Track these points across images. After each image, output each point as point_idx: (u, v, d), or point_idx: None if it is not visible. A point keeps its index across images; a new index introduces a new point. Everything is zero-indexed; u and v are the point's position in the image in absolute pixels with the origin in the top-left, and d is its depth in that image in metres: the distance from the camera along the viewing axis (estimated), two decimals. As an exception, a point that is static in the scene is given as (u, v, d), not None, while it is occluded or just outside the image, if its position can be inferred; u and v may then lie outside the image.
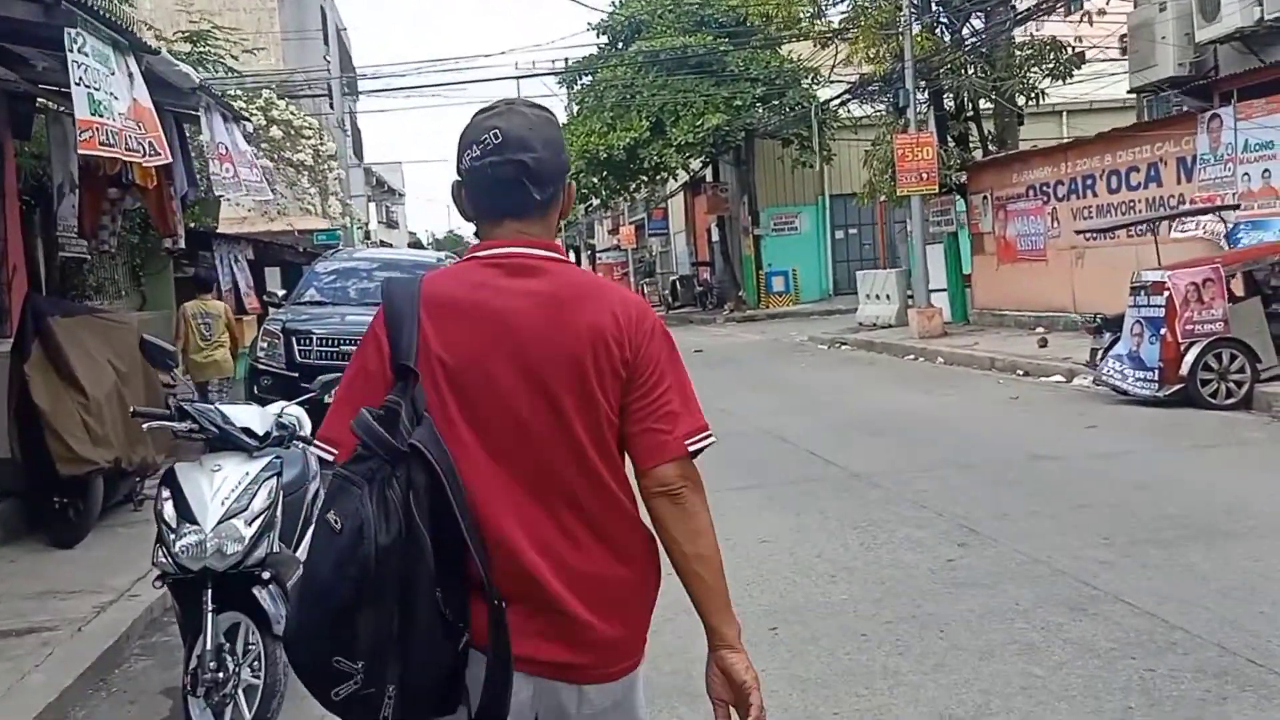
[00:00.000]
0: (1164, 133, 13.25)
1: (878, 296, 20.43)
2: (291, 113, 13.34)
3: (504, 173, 1.73)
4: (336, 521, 1.57)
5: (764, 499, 6.93)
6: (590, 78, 30.52)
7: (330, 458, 1.70)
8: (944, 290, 18.96)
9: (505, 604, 1.63)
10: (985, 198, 17.68)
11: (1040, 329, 15.77)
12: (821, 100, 24.97)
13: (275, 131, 12.13)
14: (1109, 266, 14.41)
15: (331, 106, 20.23)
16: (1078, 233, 13.15)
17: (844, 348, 18.41)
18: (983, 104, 18.68)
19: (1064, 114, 23.73)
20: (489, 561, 1.62)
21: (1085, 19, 16.21)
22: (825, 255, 31.43)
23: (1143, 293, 9.69)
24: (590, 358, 1.69)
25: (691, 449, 1.74)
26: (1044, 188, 15.96)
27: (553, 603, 1.67)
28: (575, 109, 32.03)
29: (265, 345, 9.76)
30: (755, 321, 27.57)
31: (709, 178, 32.63)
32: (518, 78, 28.52)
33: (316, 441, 1.75)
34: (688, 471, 1.74)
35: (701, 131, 26.74)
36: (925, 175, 16.68)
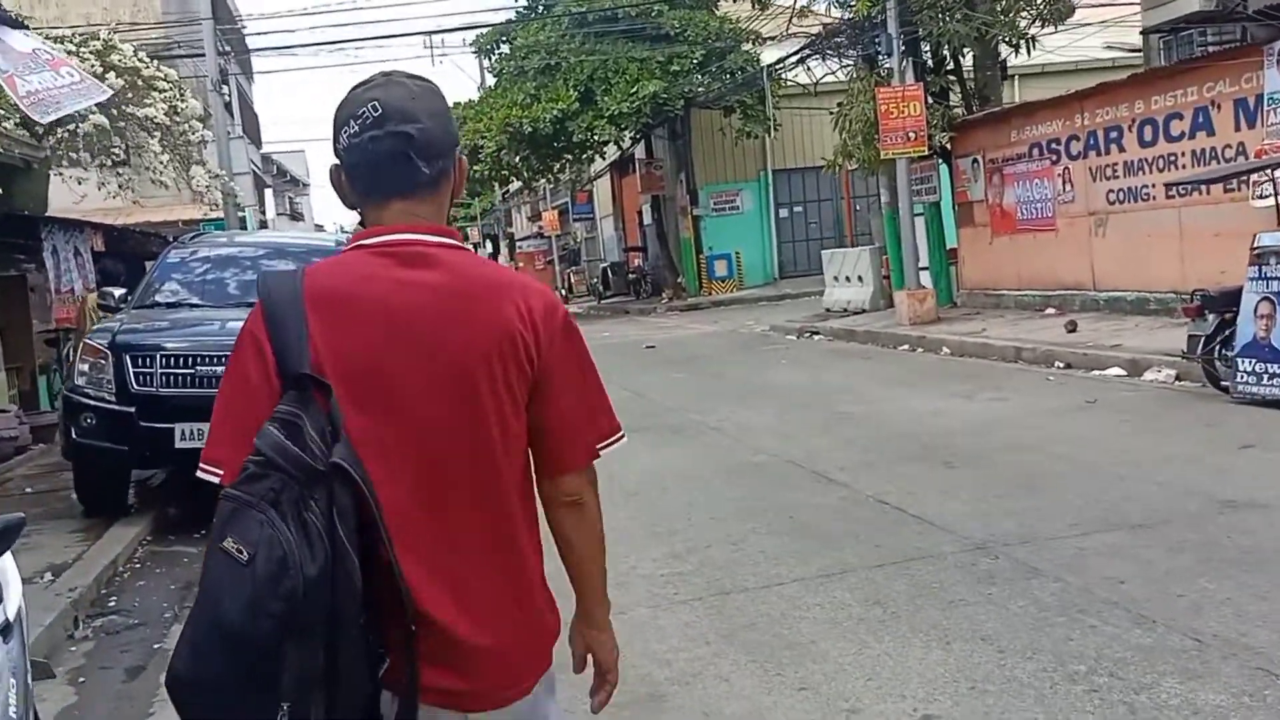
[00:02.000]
0: (1216, 70, 11.07)
1: (847, 279, 18.12)
2: (140, 60, 10.37)
3: (386, 146, 1.57)
4: (241, 550, 1.38)
5: (869, 605, 4.30)
6: (509, 45, 27.71)
7: (216, 480, 1.51)
8: (924, 269, 16.71)
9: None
10: (975, 161, 15.44)
11: (1052, 309, 13.59)
12: (770, 62, 22.53)
13: (114, 80, 9.19)
14: (1142, 234, 12.28)
15: (218, 80, 17.04)
16: (1169, 187, 10.85)
17: (817, 338, 16.05)
18: (964, 59, 16.43)
19: (1047, 75, 21.58)
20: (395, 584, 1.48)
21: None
22: (770, 236, 29.10)
23: (1273, 260, 7.41)
24: (496, 356, 1.56)
25: (601, 452, 1.68)
26: (1052, 145, 13.75)
27: (444, 626, 1.53)
28: (494, 81, 29.19)
29: (85, 368, 6.90)
30: (699, 310, 25.13)
31: (641, 154, 30.04)
32: (430, 44, 25.67)
33: (201, 464, 1.54)
34: (590, 476, 1.70)
35: (637, 100, 24.12)
36: (914, 134, 14.36)
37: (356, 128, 1.58)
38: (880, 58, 16.98)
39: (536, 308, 1.60)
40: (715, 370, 12.99)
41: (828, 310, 18.42)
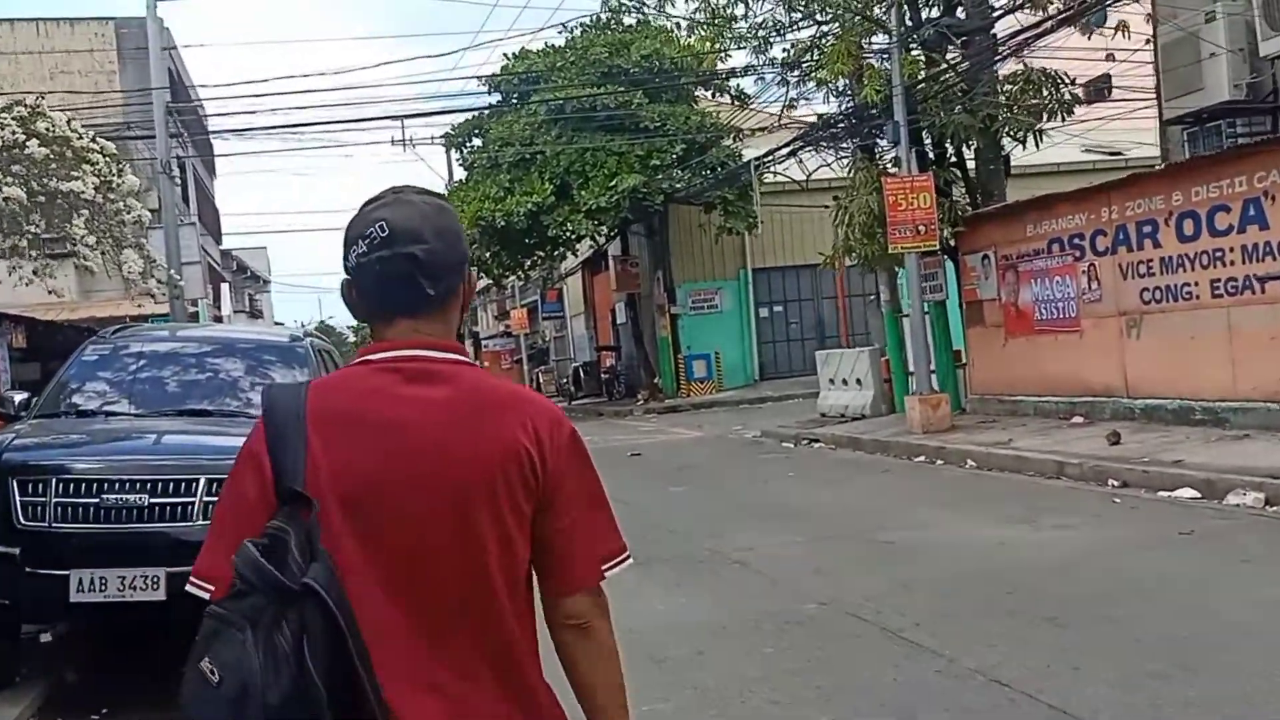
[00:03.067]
0: (1265, 158, 10.17)
1: (844, 381, 16.96)
2: (73, 130, 9.08)
3: (393, 268, 1.56)
4: (214, 672, 1.38)
5: None
6: (481, 139, 26.89)
7: (206, 596, 1.48)
8: (930, 372, 15.59)
9: None
10: (986, 257, 14.48)
11: (1079, 418, 12.45)
12: (757, 155, 21.77)
13: (36, 149, 7.88)
14: (1183, 336, 11.23)
15: (173, 164, 15.77)
16: (1261, 281, 9.78)
17: (817, 445, 14.78)
18: (967, 152, 15.63)
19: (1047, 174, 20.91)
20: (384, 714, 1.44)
21: (1121, 31, 13.25)
22: (750, 336, 28.06)
23: None
24: (500, 474, 1.52)
25: (607, 574, 1.62)
26: (1075, 240, 12.80)
27: None
28: (464, 174, 28.29)
29: (-43, 496, 5.43)
30: (679, 413, 23.86)
31: (616, 251, 29.09)
32: (405, 132, 24.76)
33: (192, 579, 1.53)
34: (598, 600, 1.62)
35: (615, 194, 23.22)
36: (924, 228, 13.37)
37: (365, 247, 1.59)
38: (879, 149, 16.20)
39: (542, 424, 1.58)
40: (715, 483, 11.64)
41: (823, 415, 17.21)
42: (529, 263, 29.07)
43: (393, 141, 40.89)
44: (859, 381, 16.61)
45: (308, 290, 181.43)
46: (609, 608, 1.62)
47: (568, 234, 24.73)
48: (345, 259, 1.61)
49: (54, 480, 5.41)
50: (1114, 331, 12.25)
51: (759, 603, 6.24)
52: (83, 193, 8.57)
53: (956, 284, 15.29)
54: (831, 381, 17.30)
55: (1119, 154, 26.57)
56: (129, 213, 9.24)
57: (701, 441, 16.89)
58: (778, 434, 16.28)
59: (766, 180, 24.40)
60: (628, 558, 1.65)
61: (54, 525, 5.33)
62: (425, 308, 1.59)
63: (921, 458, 12.27)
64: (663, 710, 4.47)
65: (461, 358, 1.61)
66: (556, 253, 29.51)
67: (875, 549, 7.46)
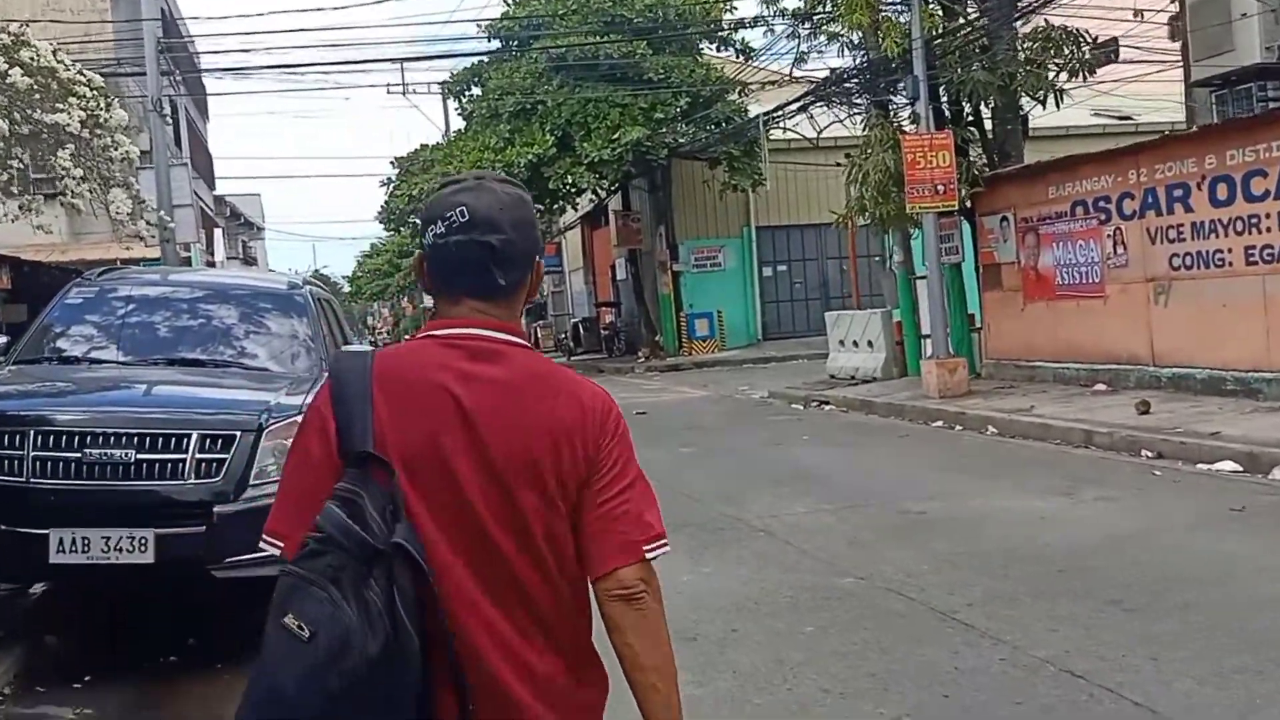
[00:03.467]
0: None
1: (855, 343, 16.53)
2: (59, 60, 8.51)
3: (469, 254, 1.64)
4: (303, 628, 1.41)
5: None
6: (481, 87, 26.18)
7: (277, 553, 1.56)
8: (946, 335, 15.18)
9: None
10: (1005, 219, 14.01)
11: (1101, 385, 12.06)
12: (763, 112, 21.16)
13: (18, 77, 7.34)
14: (1214, 304, 10.81)
15: (162, 101, 15.11)
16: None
17: (828, 408, 14.39)
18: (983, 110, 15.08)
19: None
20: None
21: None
22: (753, 295, 27.59)
23: None
24: (551, 454, 1.59)
25: (649, 553, 1.63)
26: (1100, 203, 12.33)
27: (519, 711, 1.56)
28: (463, 124, 27.61)
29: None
30: (681, 372, 23.45)
31: (617, 206, 28.50)
32: (403, 77, 24.04)
33: (264, 537, 1.59)
34: (647, 575, 1.64)
35: (618, 147, 22.61)
36: (942, 187, 12.88)
37: (443, 228, 1.64)
38: (893, 106, 15.65)
39: (593, 409, 1.63)
40: (727, 445, 11.23)
41: (832, 377, 16.80)
42: (529, 216, 28.46)
43: (389, 89, 40.07)
44: (870, 344, 16.19)
45: (302, 239, 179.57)
46: (660, 591, 1.64)
47: (568, 187, 24.15)
48: (422, 235, 1.69)
49: (32, 432, 4.97)
50: (1140, 298, 11.83)
51: (791, 576, 5.85)
52: (68, 125, 8.02)
53: (973, 246, 14.84)
54: (841, 343, 16.87)
55: (1129, 118, 26.02)
56: (117, 149, 8.70)
57: (707, 401, 16.49)
58: (786, 395, 15.89)
59: (773, 137, 23.86)
60: (665, 545, 1.66)
61: (32, 481, 4.91)
62: (494, 295, 1.65)
63: (939, 423, 11.88)
64: (698, 696, 4.09)
65: (522, 342, 1.66)
66: (556, 206, 28.93)
67: (907, 519, 7.07)
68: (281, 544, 1.56)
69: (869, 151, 14.40)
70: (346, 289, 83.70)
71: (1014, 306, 14.02)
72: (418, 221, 1.90)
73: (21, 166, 8.42)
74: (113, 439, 4.98)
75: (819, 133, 17.77)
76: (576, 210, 31.39)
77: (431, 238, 1.65)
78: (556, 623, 1.61)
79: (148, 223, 9.83)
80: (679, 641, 5.14)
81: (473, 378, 1.59)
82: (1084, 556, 5.81)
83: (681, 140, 23.75)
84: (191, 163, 43.27)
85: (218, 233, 38.21)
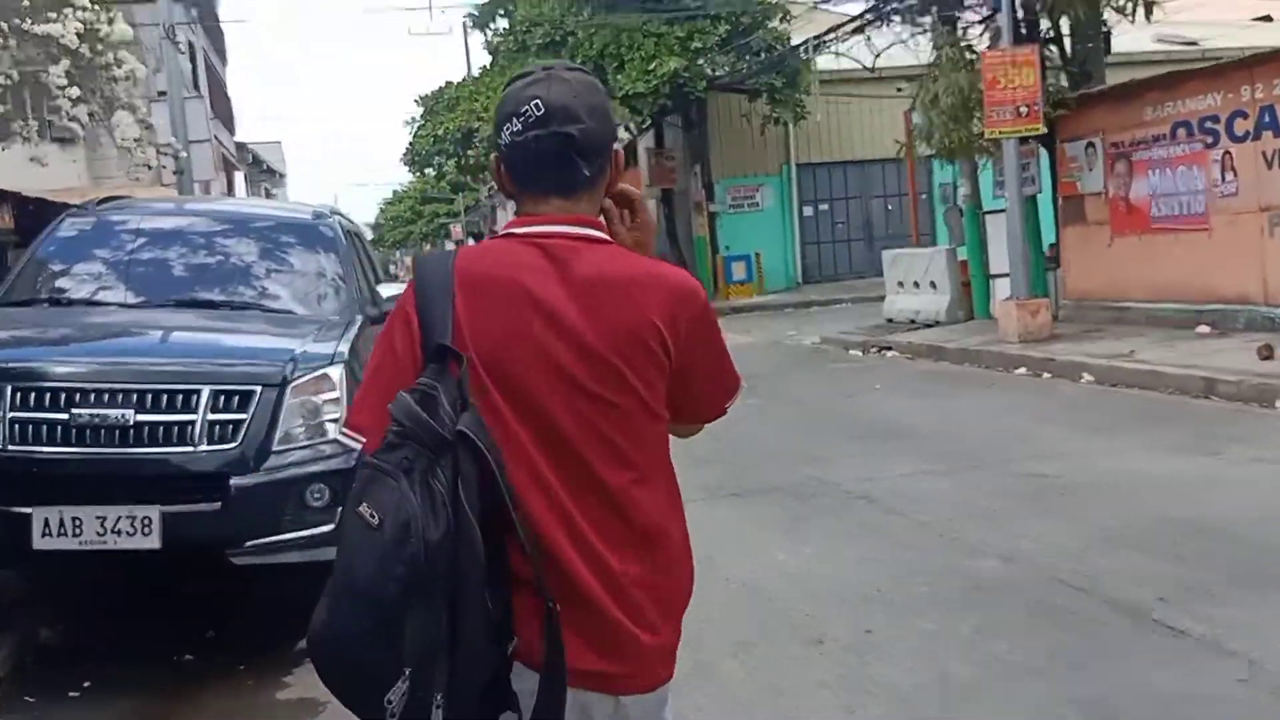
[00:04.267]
0: None
1: (915, 284, 15.42)
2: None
3: (549, 146, 1.59)
4: (374, 515, 1.42)
5: None
6: (508, 19, 24.91)
7: (359, 447, 1.58)
8: (1009, 274, 14.08)
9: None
10: (1090, 146, 12.80)
11: (1205, 327, 10.96)
12: (810, 37, 19.85)
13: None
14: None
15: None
16: None
17: (890, 354, 13.35)
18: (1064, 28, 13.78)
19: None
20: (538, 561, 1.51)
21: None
22: (792, 236, 26.39)
23: None
24: (634, 351, 1.57)
25: (727, 409, 1.75)
26: (1207, 125, 11.12)
27: (593, 607, 1.55)
28: (489, 59, 26.39)
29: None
30: (721, 317, 22.07)
31: (651, 144, 27.26)
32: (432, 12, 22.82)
33: (345, 430, 1.64)
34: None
35: (654, 79, 21.36)
36: (1026, 109, 11.69)
37: (519, 125, 1.60)
38: (962, 24, 14.38)
39: (677, 301, 1.61)
40: (792, 396, 10.25)
41: (889, 321, 15.72)
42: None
43: (410, 32, 38.82)
44: (933, 284, 15.08)
45: (324, 187, 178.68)
46: None
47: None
48: (497, 135, 1.63)
49: (10, 389, 4.06)
50: (1252, 230, 10.66)
51: (915, 556, 4.89)
52: (62, 37, 7.00)
53: (1050, 177, 13.64)
54: (900, 284, 15.77)
55: (1194, 43, 24.54)
56: (120, 67, 7.68)
57: (756, 349, 15.45)
58: (841, 341, 14.85)
59: (817, 68, 22.60)
60: (741, 386, 1.73)
61: (9, 448, 4.01)
62: (579, 187, 1.62)
63: (1022, 370, 10.83)
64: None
65: (603, 235, 1.64)
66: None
67: (1032, 484, 6.09)
68: (364, 438, 1.57)
69: (938, 73, 13.19)
70: (370, 236, 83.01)
71: (1099, 242, 12.86)
72: (492, 128, 1.69)
73: (8, 83, 7.40)
74: (107, 397, 4.07)
75: (876, 56, 16.45)
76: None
77: (508, 136, 1.61)
78: (642, 522, 1.59)
79: (159, 151, 8.81)
80: (804, 645, 4.16)
81: (552, 276, 1.57)
82: (1273, 533, 4.81)
83: (720, 71, 22.46)
84: (212, 106, 42.26)
85: (239, 177, 37.31)
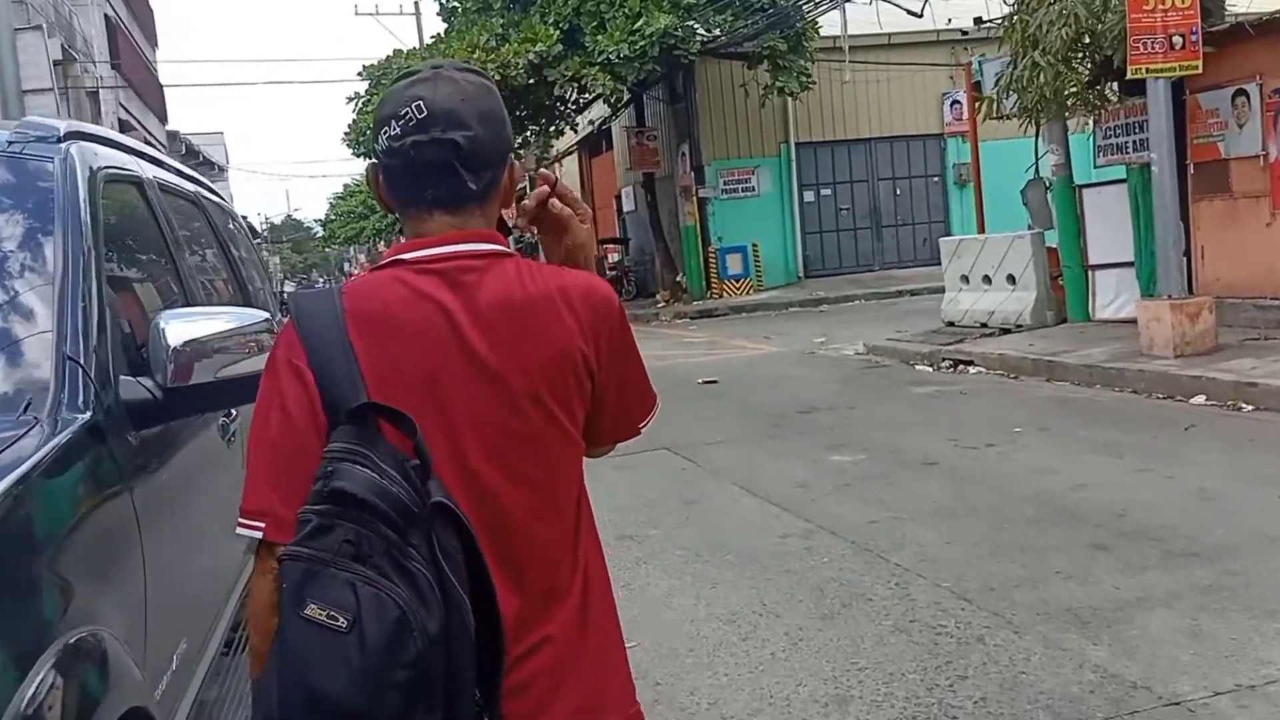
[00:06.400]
0: None
1: (985, 279, 12.29)
2: None
3: (430, 155, 1.38)
4: (334, 616, 1.17)
5: None
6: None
7: (259, 535, 1.28)
8: (1118, 265, 11.04)
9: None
10: (1241, 95, 9.74)
11: None
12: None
13: None
14: None
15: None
16: None
17: (975, 370, 10.22)
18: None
19: None
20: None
21: None
22: (792, 225, 23.26)
23: None
24: (555, 375, 1.40)
25: (642, 430, 1.58)
26: None
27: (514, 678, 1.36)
28: (447, 24, 22.97)
29: None
30: (718, 318, 19.23)
31: (630, 122, 23.98)
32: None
33: (242, 520, 1.30)
34: None
35: (640, 40, 18.09)
36: (1181, 39, 8.59)
37: (398, 129, 1.39)
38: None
39: (592, 315, 1.43)
40: (899, 446, 6.98)
41: (950, 324, 12.60)
42: (519, 140, 23.97)
43: (356, 13, 35.32)
44: (1010, 279, 11.96)
45: (269, 176, 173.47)
46: None
47: (576, 93, 19.73)
48: (375, 141, 1.42)
49: None
50: None
51: None
52: None
53: (1173, 137, 10.56)
54: (965, 279, 12.62)
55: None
56: None
57: (786, 361, 12.27)
58: (896, 351, 11.71)
59: (822, 35, 19.59)
60: (657, 407, 1.59)
61: None
62: (466, 201, 1.41)
63: (1200, 398, 7.72)
64: None
65: (503, 249, 1.44)
66: (552, 128, 24.50)
67: None
68: (263, 524, 1.28)
69: (1036, 2, 10.04)
70: (320, 233, 78.49)
71: (1252, 220, 9.80)
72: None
73: None
74: None
75: (925, 2, 13.27)
76: (577, 132, 26.91)
77: (385, 141, 1.40)
78: (576, 578, 1.44)
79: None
80: None
81: (455, 308, 1.36)
82: None
83: (716, 32, 19.24)
84: (136, 90, 38.06)
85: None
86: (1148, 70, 8.70)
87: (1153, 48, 8.63)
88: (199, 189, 3.50)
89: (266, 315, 2.07)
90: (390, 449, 1.26)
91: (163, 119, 46.40)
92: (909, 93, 23.02)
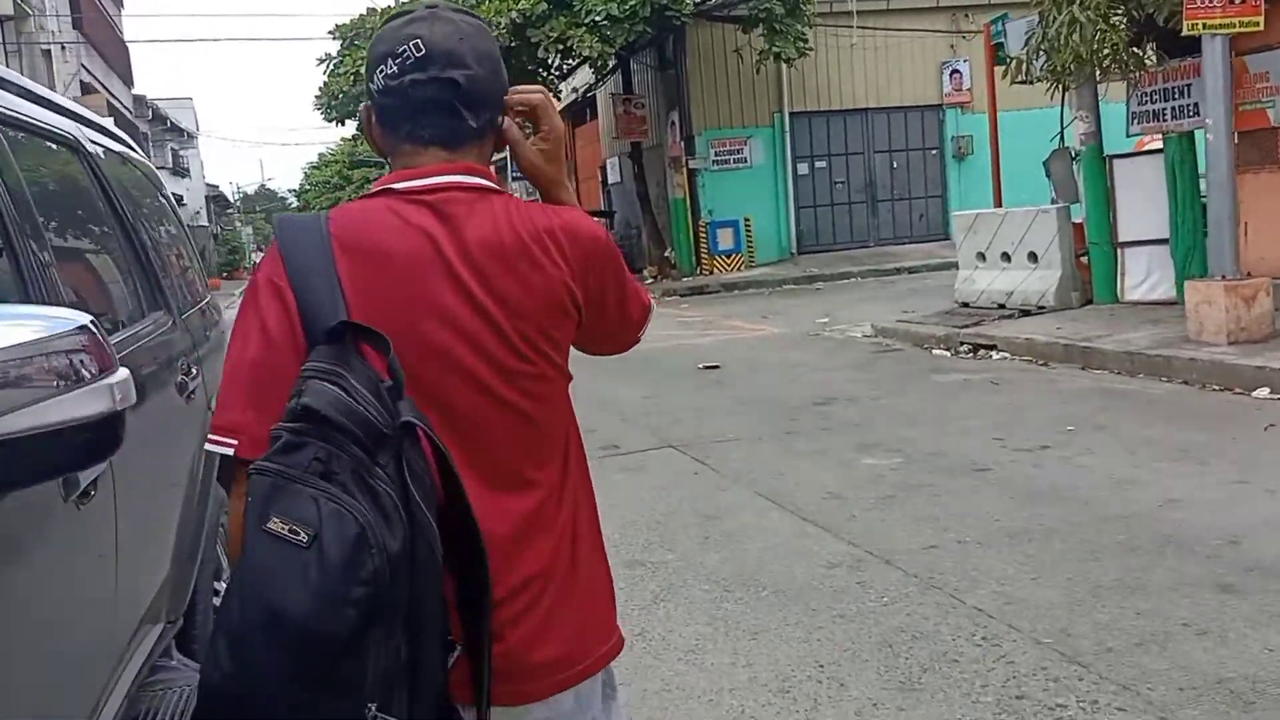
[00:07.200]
0: None
1: (1004, 256, 11.45)
2: None
3: (429, 93, 1.38)
4: (295, 530, 1.13)
5: None
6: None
7: (230, 451, 1.26)
8: (1150, 242, 10.22)
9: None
10: (1293, 56, 8.90)
11: None
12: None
13: None
14: None
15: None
16: None
17: (996, 356, 9.41)
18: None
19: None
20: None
21: None
22: (786, 198, 22.33)
23: None
24: (542, 312, 1.39)
25: (640, 338, 1.60)
26: None
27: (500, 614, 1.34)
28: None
29: None
30: (710, 296, 18.36)
31: (616, 89, 22.95)
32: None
33: (212, 435, 1.28)
34: None
35: (630, 2, 17.08)
36: (1243, -8, 7.73)
37: (395, 68, 1.38)
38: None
39: (580, 249, 1.42)
40: (943, 449, 6.13)
41: (964, 305, 11.77)
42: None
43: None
44: (1031, 256, 11.12)
45: (241, 142, 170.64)
46: None
47: (561, 57, 18.69)
48: (369, 80, 1.42)
49: None
50: None
51: None
52: None
53: (1223, 104, 9.71)
54: (981, 256, 11.77)
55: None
56: None
57: (789, 343, 11.42)
58: (908, 334, 10.89)
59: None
60: (651, 311, 1.59)
61: None
62: (464, 140, 1.41)
63: (1265, 391, 6.93)
64: None
65: (493, 185, 1.42)
66: (551, 76, 23.42)
67: None
68: (236, 439, 1.26)
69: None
70: (294, 203, 76.69)
71: (1304, 195, 9.00)
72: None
73: None
74: None
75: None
76: (560, 100, 25.83)
77: (381, 80, 1.39)
78: (560, 514, 1.41)
79: None
80: None
81: (444, 240, 1.35)
82: None
83: (708, -6, 18.26)
84: (98, 49, 36.47)
85: (148, 144, 32.29)
86: (1205, 26, 7.83)
87: (1210, 1, 7.76)
88: (81, 127, 2.58)
89: (83, 320, 1.22)
90: (365, 368, 1.25)
91: (128, 82, 44.85)
92: (907, 61, 22.12)
